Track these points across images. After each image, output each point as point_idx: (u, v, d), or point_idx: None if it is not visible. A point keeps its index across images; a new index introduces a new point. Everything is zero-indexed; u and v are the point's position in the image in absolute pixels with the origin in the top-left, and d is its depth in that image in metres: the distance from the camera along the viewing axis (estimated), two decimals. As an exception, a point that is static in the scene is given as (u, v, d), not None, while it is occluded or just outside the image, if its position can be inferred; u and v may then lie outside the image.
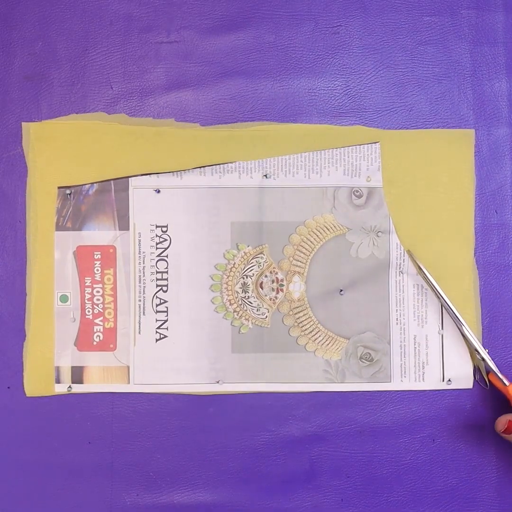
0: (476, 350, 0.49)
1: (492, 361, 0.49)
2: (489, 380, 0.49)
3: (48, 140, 0.50)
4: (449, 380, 0.50)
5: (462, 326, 0.49)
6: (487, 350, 0.50)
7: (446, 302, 0.49)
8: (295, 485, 0.50)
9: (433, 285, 0.49)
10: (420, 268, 0.50)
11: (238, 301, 0.50)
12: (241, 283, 0.50)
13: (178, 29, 0.51)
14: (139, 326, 0.50)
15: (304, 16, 0.51)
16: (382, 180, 0.50)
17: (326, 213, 0.51)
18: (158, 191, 0.50)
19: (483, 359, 0.49)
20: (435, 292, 0.50)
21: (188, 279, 0.50)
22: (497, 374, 0.48)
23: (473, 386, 0.50)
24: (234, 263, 0.50)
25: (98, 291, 0.50)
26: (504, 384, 0.48)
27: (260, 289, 0.50)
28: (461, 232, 0.51)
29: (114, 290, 0.50)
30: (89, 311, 0.50)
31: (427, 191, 0.50)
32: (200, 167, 0.50)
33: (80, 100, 0.51)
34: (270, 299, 0.50)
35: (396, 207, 0.50)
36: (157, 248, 0.50)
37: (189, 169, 0.50)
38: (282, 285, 0.50)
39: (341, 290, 0.50)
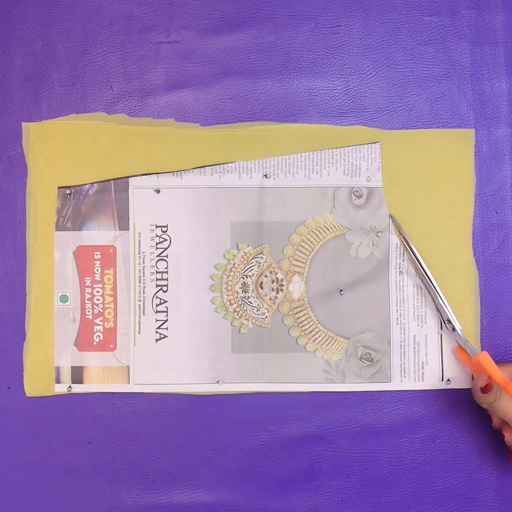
0: (448, 320, 0.49)
1: (461, 331, 0.48)
2: (455, 355, 0.49)
3: (48, 140, 0.50)
4: (448, 380, 0.50)
5: (436, 293, 0.49)
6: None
7: (421, 266, 0.49)
8: (295, 485, 0.50)
9: (412, 251, 0.49)
10: (400, 234, 0.50)
11: (238, 301, 0.50)
12: (241, 283, 0.50)
13: (178, 29, 0.51)
14: (139, 326, 0.50)
15: (304, 16, 0.51)
16: (382, 180, 0.50)
17: (326, 213, 0.51)
18: (158, 191, 0.50)
19: (453, 329, 0.48)
20: (411, 254, 0.49)
21: (188, 279, 0.50)
22: (466, 342, 0.48)
23: (473, 386, 0.50)
24: (234, 263, 0.50)
25: (98, 291, 0.50)
26: (473, 351, 0.47)
27: (260, 289, 0.50)
28: (461, 232, 0.51)
29: (114, 290, 0.50)
30: (89, 311, 0.50)
31: (427, 191, 0.50)
32: (200, 167, 0.50)
33: (80, 100, 0.51)
34: (270, 299, 0.50)
35: (396, 207, 0.50)
36: (157, 248, 0.50)
37: (189, 169, 0.50)
38: (282, 285, 0.50)
39: (341, 290, 0.50)
